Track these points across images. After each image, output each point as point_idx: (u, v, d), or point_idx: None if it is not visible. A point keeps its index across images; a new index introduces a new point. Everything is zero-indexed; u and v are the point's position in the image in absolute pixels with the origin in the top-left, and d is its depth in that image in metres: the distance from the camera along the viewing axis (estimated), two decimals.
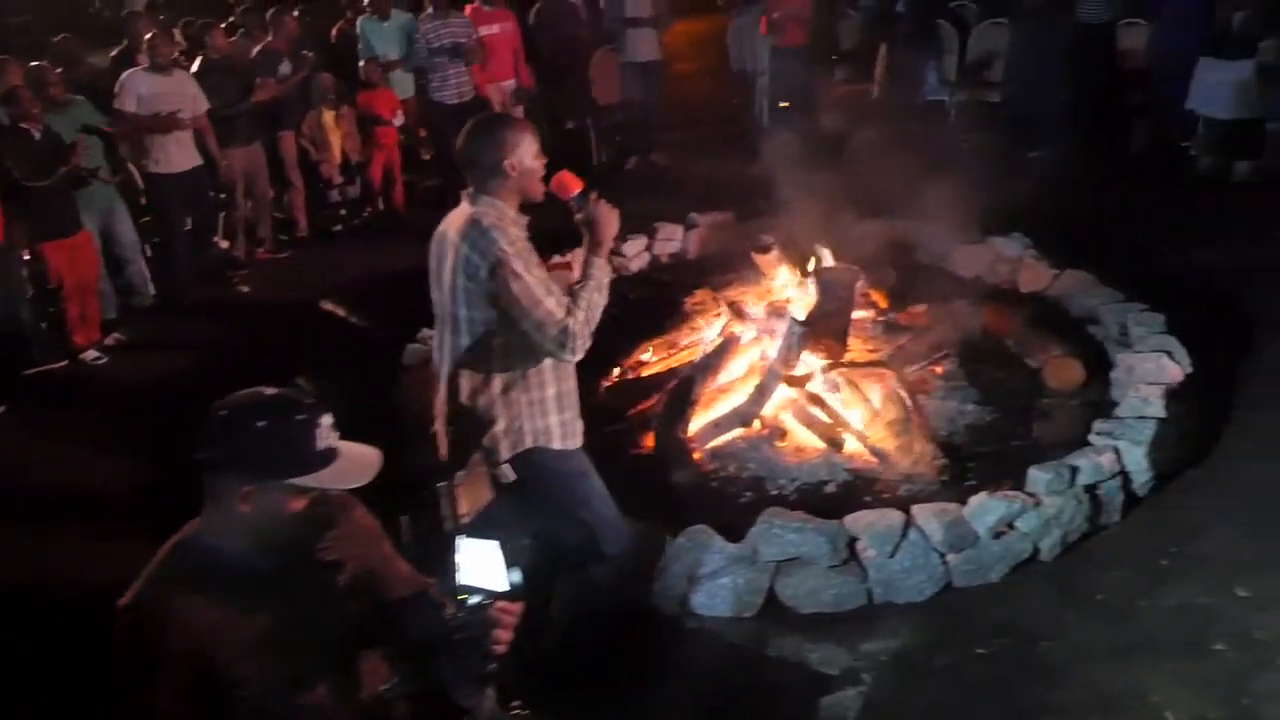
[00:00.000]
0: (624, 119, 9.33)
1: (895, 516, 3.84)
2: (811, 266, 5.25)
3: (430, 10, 8.17)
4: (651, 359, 5.31)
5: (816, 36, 9.01)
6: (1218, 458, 4.51)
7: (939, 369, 5.14)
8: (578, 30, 8.89)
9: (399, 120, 8.20)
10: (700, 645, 3.77)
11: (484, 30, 8.43)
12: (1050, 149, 8.36)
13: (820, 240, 5.90)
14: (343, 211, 8.32)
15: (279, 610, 1.97)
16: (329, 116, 7.83)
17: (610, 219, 3.06)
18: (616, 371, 5.32)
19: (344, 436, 2.04)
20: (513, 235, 2.99)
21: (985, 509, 3.84)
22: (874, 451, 4.50)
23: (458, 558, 1.91)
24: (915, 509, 3.91)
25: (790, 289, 5.30)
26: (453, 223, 3.09)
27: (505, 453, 3.16)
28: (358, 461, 1.98)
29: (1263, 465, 4.42)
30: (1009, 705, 3.38)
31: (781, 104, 8.60)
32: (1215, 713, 3.25)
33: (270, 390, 1.97)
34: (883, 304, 5.52)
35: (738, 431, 4.70)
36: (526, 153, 3.02)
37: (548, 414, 3.21)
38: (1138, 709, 3.29)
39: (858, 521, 3.86)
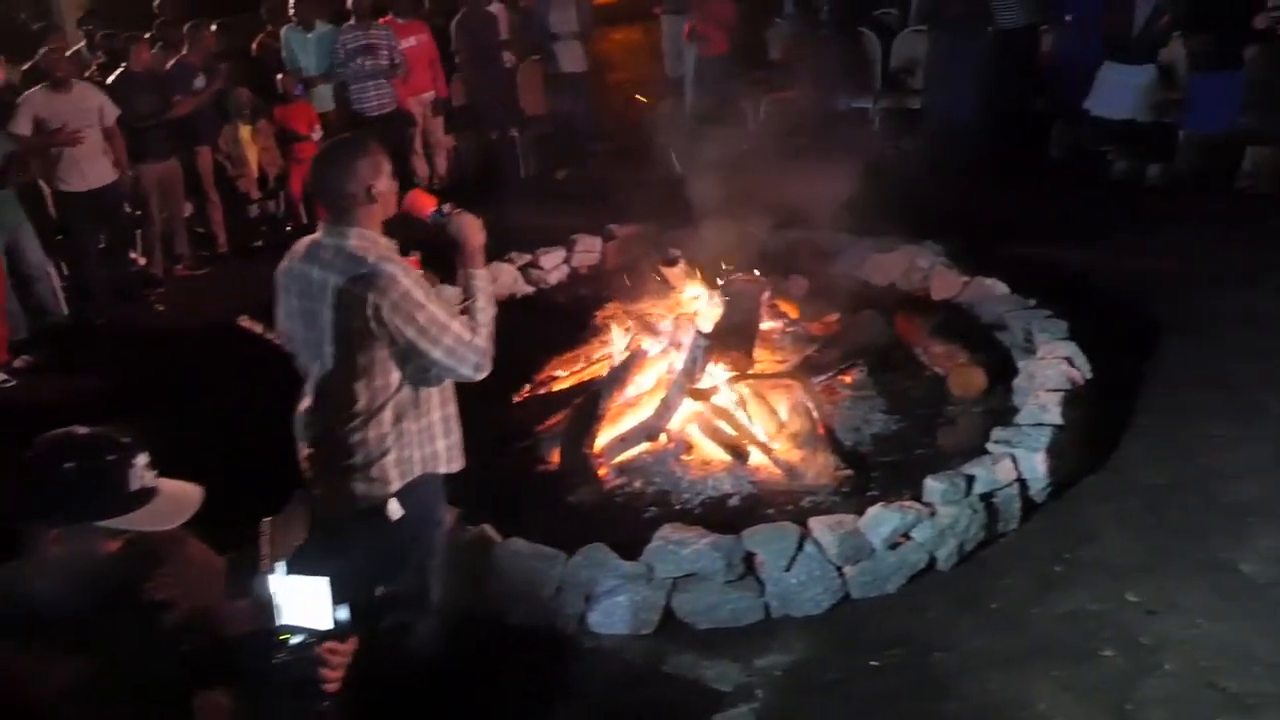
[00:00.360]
0: (551, 130, 9.29)
1: (791, 530, 3.84)
2: (718, 279, 5.23)
3: (352, 20, 8.09)
4: (563, 374, 5.27)
5: (742, 45, 9.04)
6: (1116, 462, 4.57)
7: (848, 378, 5.16)
8: (498, 41, 8.83)
9: (317, 134, 8.09)
10: (596, 665, 3.74)
11: (400, 43, 8.37)
12: (969, 155, 8.44)
13: (734, 250, 5.93)
14: (263, 227, 8.19)
15: (100, 653, 1.91)
16: (245, 131, 7.72)
17: (473, 228, 3.01)
18: (528, 387, 5.28)
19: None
20: (401, 264, 2.90)
21: (880, 520, 3.85)
22: (778, 463, 4.50)
23: (277, 597, 1.87)
24: (812, 522, 3.91)
25: (698, 301, 5.28)
26: (320, 258, 2.90)
27: (396, 482, 3.04)
28: (176, 501, 1.93)
29: (1158, 468, 4.49)
30: (898, 718, 3.39)
31: (705, 112, 8.62)
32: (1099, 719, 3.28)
33: (83, 430, 1.91)
34: (793, 314, 5.53)
35: (644, 446, 4.68)
36: (385, 175, 2.94)
37: (435, 439, 3.13)
38: (1024, 718, 3.31)
39: (754, 536, 3.85)
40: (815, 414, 4.71)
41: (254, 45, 9.00)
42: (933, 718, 3.35)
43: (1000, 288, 5.61)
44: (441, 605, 3.23)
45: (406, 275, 2.84)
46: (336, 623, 1.89)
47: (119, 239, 7.27)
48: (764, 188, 6.86)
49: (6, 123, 6.46)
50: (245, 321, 6.66)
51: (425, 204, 3.02)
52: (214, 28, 8.38)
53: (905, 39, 9.18)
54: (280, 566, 1.88)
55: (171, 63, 7.93)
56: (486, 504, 4.41)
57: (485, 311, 2.99)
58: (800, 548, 3.80)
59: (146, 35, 8.03)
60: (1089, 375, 4.82)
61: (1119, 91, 7.66)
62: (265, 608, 1.88)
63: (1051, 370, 4.69)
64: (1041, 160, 8.52)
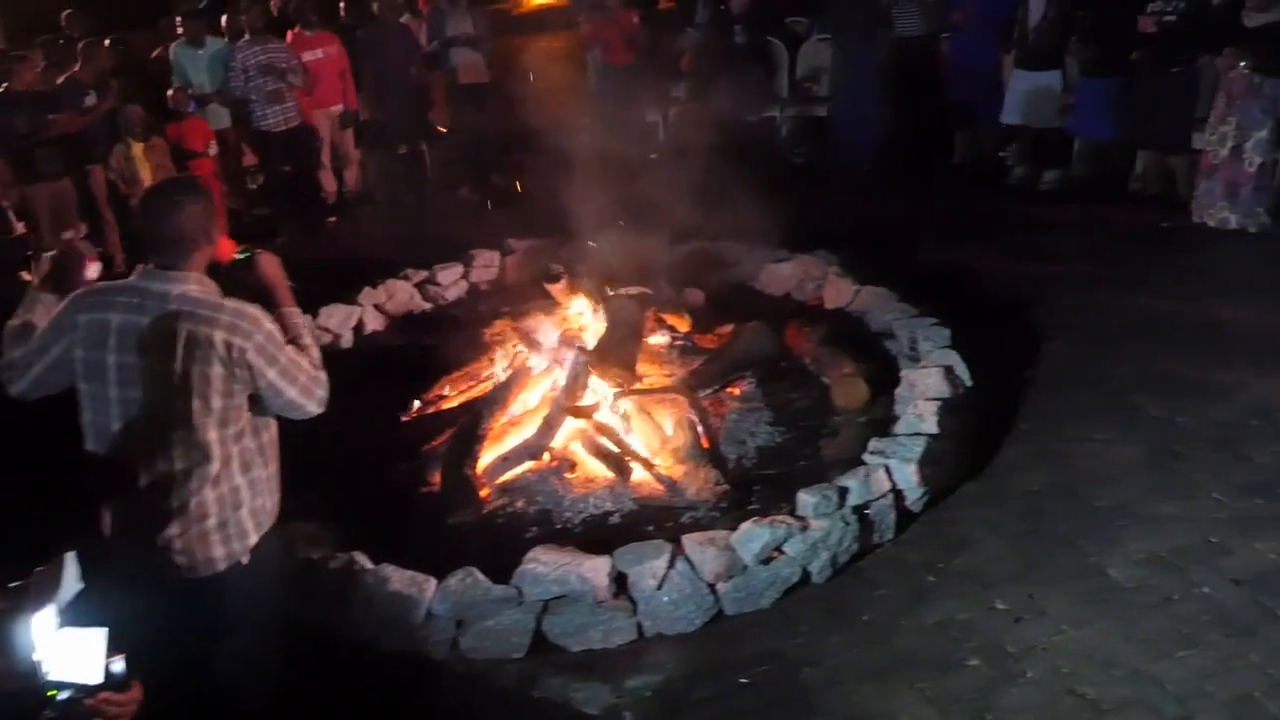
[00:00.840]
0: (455, 144, 9.22)
1: (662, 548, 3.82)
2: (601, 294, 5.21)
3: (247, 36, 7.96)
4: (451, 392, 5.20)
5: (650, 55, 9.05)
6: (995, 468, 4.62)
7: (736, 390, 5.16)
8: (407, 54, 8.73)
9: (213, 151, 7.94)
10: (466, 691, 3.68)
11: (307, 56, 8.25)
12: (873, 162, 8.53)
13: (628, 263, 5.91)
14: None
15: None
16: (138, 149, 7.53)
17: (275, 267, 2.95)
18: (417, 406, 5.20)
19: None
20: (257, 307, 2.80)
21: (751, 536, 3.84)
22: (660, 479, 4.48)
23: (42, 652, 1.79)
24: (685, 539, 3.89)
25: (584, 317, 5.25)
26: (150, 305, 2.67)
27: (253, 535, 2.91)
28: None
29: (1035, 473, 4.55)
30: None
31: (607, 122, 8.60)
32: None
33: None
34: (684, 327, 5.52)
35: (528, 465, 4.63)
36: (215, 216, 2.85)
37: (275, 490, 3.01)
38: None
39: (625, 555, 3.82)
40: (700, 428, 4.69)
41: (147, 61, 8.81)
42: None
43: (889, 296, 5.66)
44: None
45: (266, 316, 2.75)
46: (109, 675, 1.82)
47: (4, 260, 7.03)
48: (667, 199, 6.89)
49: None
50: None
51: (227, 249, 2.92)
52: (107, 43, 8.21)
53: (811, 47, 9.25)
54: (49, 619, 1.80)
55: (62, 79, 7.75)
56: (367, 527, 4.37)
57: (312, 347, 2.92)
58: (672, 566, 3.78)
59: (28, 54, 7.83)
60: (969, 383, 4.87)
61: (1016, 98, 7.79)
62: (28, 664, 1.80)
63: (931, 379, 4.73)
64: (946, 166, 8.62)
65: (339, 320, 6.11)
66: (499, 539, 4.28)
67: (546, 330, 5.14)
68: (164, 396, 2.68)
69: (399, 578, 3.81)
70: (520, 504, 4.50)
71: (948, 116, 8.46)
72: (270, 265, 2.92)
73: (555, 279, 5.31)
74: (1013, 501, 4.38)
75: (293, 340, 2.88)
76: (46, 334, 2.75)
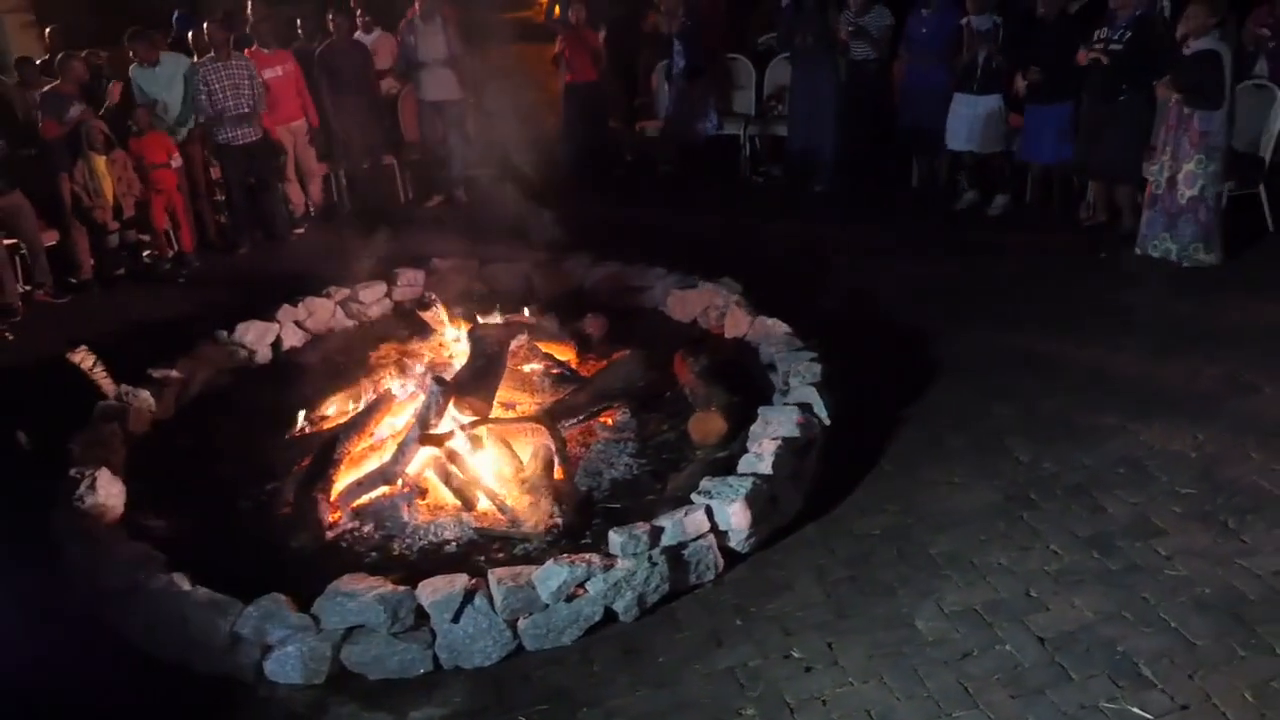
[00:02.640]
0: (423, 157, 9.36)
1: (459, 581, 3.87)
2: (471, 321, 5.28)
3: (212, 54, 8.19)
4: (331, 413, 5.32)
5: (611, 73, 9.10)
6: (842, 510, 4.58)
7: (610, 420, 5.19)
8: (363, 70, 8.89)
9: (176, 162, 8.18)
10: (265, 714, 3.78)
11: (266, 73, 8.46)
12: (828, 184, 8.48)
13: (532, 287, 6.00)
14: (124, 254, 8.27)
15: None
16: (100, 162, 7.79)
17: None
18: (301, 425, 5.33)
19: None
20: None
21: (549, 574, 3.87)
22: (503, 510, 4.53)
23: None
24: (492, 573, 3.95)
25: (459, 344, 5.32)
26: None
27: None
28: None
29: (879, 518, 4.50)
30: None
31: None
32: None
33: None
34: (565, 355, 5.56)
35: (382, 490, 4.72)
36: None
37: None
38: None
39: (425, 587, 3.88)
40: (555, 459, 4.74)
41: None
42: None
43: (780, 327, 5.63)
44: None
45: None
46: None
47: None
48: (611, 217, 6.94)
49: None
50: (77, 355, 6.70)
51: None
52: (83, 56, 8.51)
53: (777, 66, 9.19)
54: None
55: (42, 91, 8.05)
56: (215, 546, 4.51)
57: None
58: (469, 600, 3.84)
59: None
60: (827, 421, 4.84)
61: (962, 123, 7.69)
62: None
63: (783, 417, 4.71)
64: (901, 190, 8.52)
65: (254, 336, 6.27)
66: (338, 563, 4.37)
67: (420, 356, 5.22)
68: None
69: (207, 600, 3.92)
70: (367, 529, 4.58)
71: (905, 140, 8.36)
72: None
73: (427, 306, 5.39)
74: (847, 545, 4.34)
75: None
76: None
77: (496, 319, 5.30)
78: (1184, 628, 3.71)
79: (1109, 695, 3.44)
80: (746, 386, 5.34)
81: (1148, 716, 3.33)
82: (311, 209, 9.17)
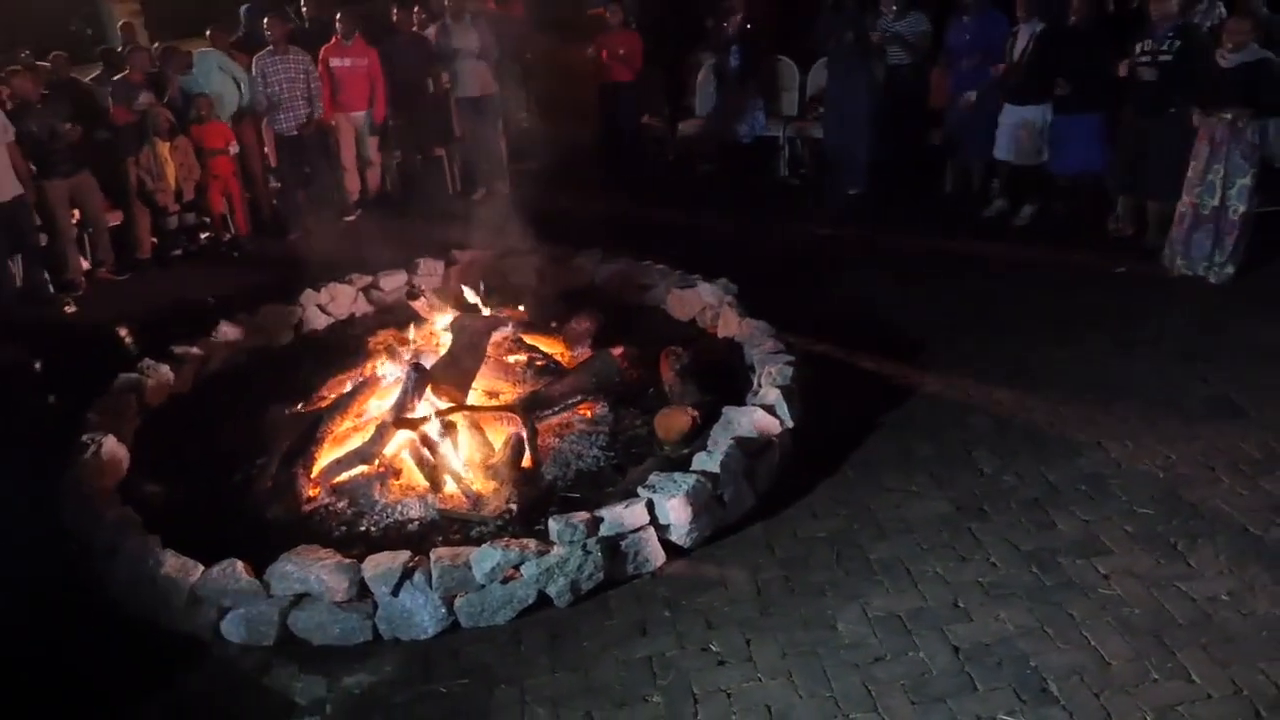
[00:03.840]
0: (467, 150, 9.66)
1: (400, 558, 4.09)
2: (456, 314, 5.49)
3: (268, 49, 8.60)
4: (329, 395, 5.60)
5: (648, 75, 9.24)
6: (794, 511, 4.65)
7: (589, 412, 5.34)
8: (422, 64, 9.20)
9: (233, 149, 8.63)
10: (216, 670, 4.04)
11: (335, 63, 8.86)
12: (861, 186, 8.48)
13: (550, 279, 6.19)
14: (182, 237, 8.76)
15: None
16: (164, 148, 8.27)
17: None
18: (301, 404, 5.62)
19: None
20: None
21: (484, 556, 4.06)
22: (467, 493, 4.74)
23: None
24: (432, 552, 4.15)
25: (443, 334, 5.55)
26: None
27: None
28: None
29: (828, 521, 4.56)
30: None
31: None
32: None
33: None
34: (553, 348, 5.73)
35: (360, 469, 4.97)
36: None
37: None
38: None
39: (369, 562, 4.11)
40: (524, 447, 4.92)
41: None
42: None
43: (765, 329, 5.70)
44: None
45: None
46: None
47: (26, 246, 7.86)
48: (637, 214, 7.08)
49: None
50: (124, 332, 7.16)
51: None
52: (151, 48, 9.04)
53: (819, 69, 9.18)
54: None
55: (116, 78, 8.59)
56: (202, 514, 4.83)
57: None
58: (408, 577, 4.05)
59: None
60: (790, 423, 4.91)
61: (1005, 132, 7.61)
62: None
63: (745, 417, 4.80)
64: (933, 195, 8.46)
65: (278, 320, 6.61)
66: (310, 535, 4.63)
67: (411, 343, 5.46)
68: None
69: (172, 563, 4.22)
70: (341, 505, 4.83)
71: (942, 145, 8.29)
72: None
73: (415, 296, 5.62)
74: (789, 546, 4.42)
75: None
76: None
77: (484, 311, 5.50)
78: (1102, 647, 3.70)
79: (1009, 708, 3.47)
80: (726, 386, 5.44)
81: None
82: (367, 196, 9.53)
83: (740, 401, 5.20)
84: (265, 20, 8.74)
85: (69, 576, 4.54)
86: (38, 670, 4.02)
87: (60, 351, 7.02)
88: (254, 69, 8.63)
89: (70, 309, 7.98)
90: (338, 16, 9.36)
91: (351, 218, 9.32)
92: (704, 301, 6.25)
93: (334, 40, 9.05)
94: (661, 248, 7.39)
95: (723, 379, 5.52)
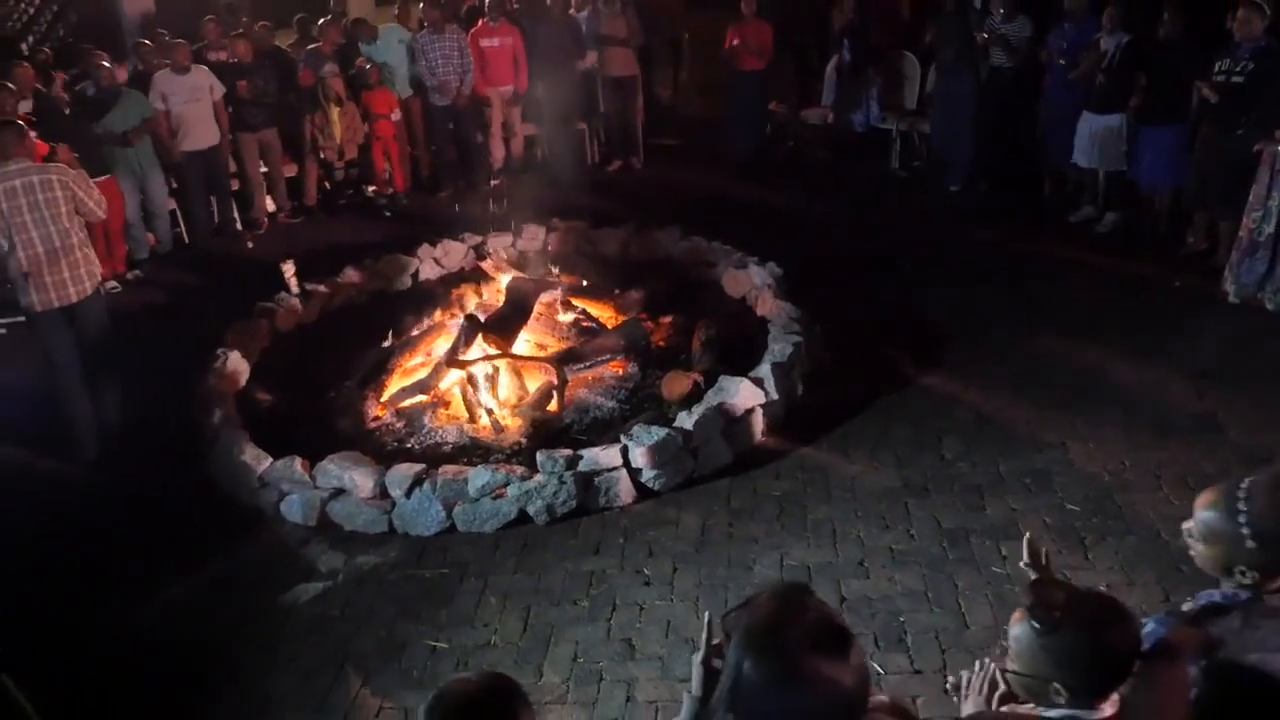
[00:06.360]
0: (607, 127, 10.52)
1: (412, 469, 5.06)
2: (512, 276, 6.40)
3: (428, 28, 9.76)
4: (415, 332, 6.64)
5: (776, 64, 9.79)
6: (760, 472, 5.31)
7: (620, 370, 6.13)
8: (570, 44, 10.09)
9: (396, 116, 9.85)
10: (270, 539, 5.17)
11: (484, 43, 9.91)
12: (961, 184, 8.77)
13: (634, 251, 7.01)
14: (348, 190, 10.09)
15: None
16: (335, 112, 9.58)
17: None
18: (392, 338, 6.68)
19: None
20: None
21: (478, 475, 4.97)
22: (495, 426, 5.66)
23: None
24: (444, 468, 5.11)
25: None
26: None
27: None
28: None
29: (785, 484, 5.21)
30: (402, 612, 4.54)
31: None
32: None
33: None
34: (602, 311, 6.54)
35: (419, 398, 5.99)
36: None
37: None
38: (478, 631, 4.37)
39: (391, 470, 5.10)
40: (553, 392, 5.79)
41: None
42: (429, 620, 4.48)
43: (791, 310, 6.29)
44: None
45: None
46: None
47: (222, 189, 9.37)
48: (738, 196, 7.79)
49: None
50: (286, 265, 8.48)
51: None
52: (342, 23, 10.38)
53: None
54: None
55: (308, 48, 9.99)
56: (295, 418, 5.98)
57: None
58: (418, 485, 5.01)
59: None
60: (774, 396, 5.54)
61: (1084, 139, 7.76)
62: None
63: (735, 386, 5.47)
64: (1031, 197, 8.62)
65: (396, 268, 7.75)
66: (368, 446, 5.69)
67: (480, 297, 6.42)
68: None
69: (250, 453, 5.36)
70: (399, 425, 5.87)
71: (1041, 151, 8.47)
72: None
73: (484, 258, 6.55)
74: (744, 500, 5.09)
75: None
76: None
77: (528, 275, 6.38)
78: (969, 614, 4.22)
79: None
80: (743, 358, 6.07)
81: (878, 669, 3.94)
82: (512, 163, 10.59)
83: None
84: (422, 5, 9.87)
85: (187, 457, 5.78)
86: (146, 525, 5.24)
87: (235, 278, 8.43)
88: (416, 47, 9.78)
89: (250, 244, 9.45)
90: (486, 2, 10.41)
91: (496, 182, 10.39)
92: (753, 282, 6.88)
93: (481, 23, 10.08)
94: (753, 228, 8.07)
95: (742, 352, 6.15)
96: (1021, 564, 2.60)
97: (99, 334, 5.85)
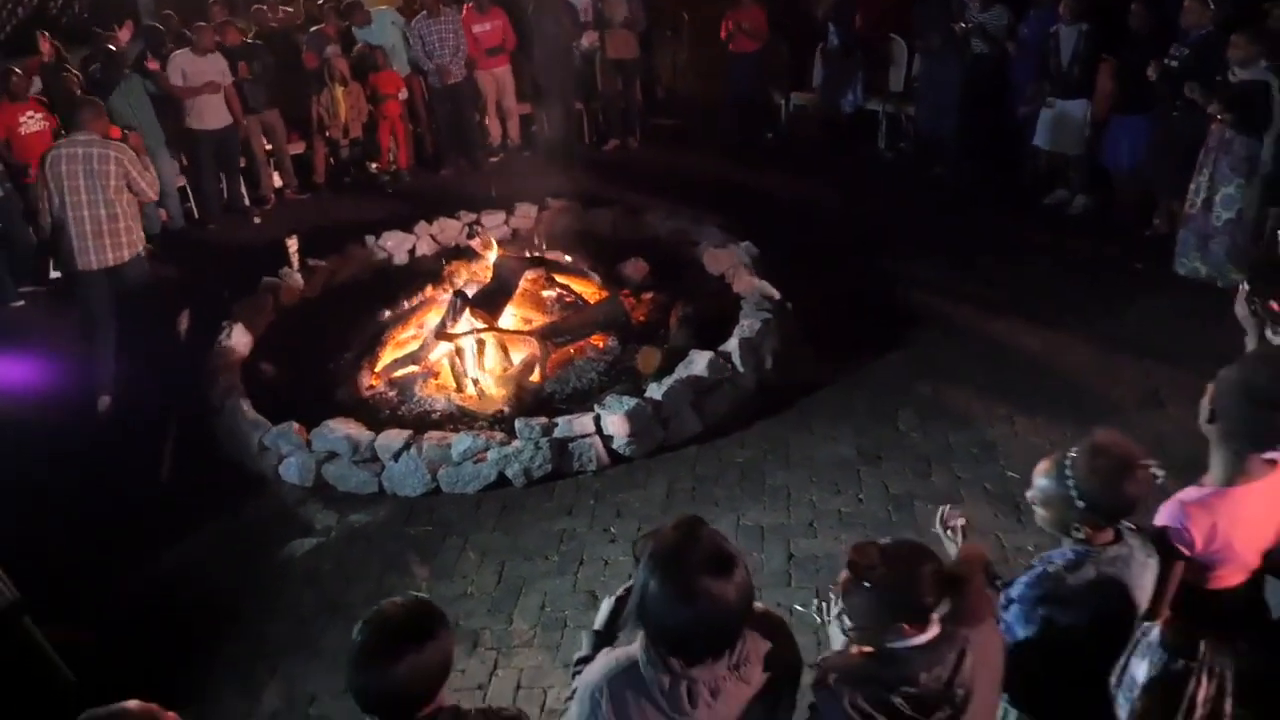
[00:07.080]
0: (606, 107, 10.83)
1: (403, 435, 5.44)
2: (496, 254, 6.76)
3: (424, 13, 10.07)
4: (409, 305, 7.02)
5: (769, 47, 10.07)
6: (727, 441, 5.65)
7: (601, 343, 6.49)
8: (567, 28, 10.37)
9: (402, 95, 10.19)
10: (270, 499, 5.57)
11: (476, 28, 10.22)
12: (946, 168, 9.06)
13: (623, 229, 7.36)
14: (352, 167, 10.45)
15: None
16: (340, 92, 9.92)
17: None
18: (388, 313, 7.07)
19: None
20: None
21: (460, 441, 5.36)
22: (480, 395, 6.04)
23: None
24: (429, 433, 5.49)
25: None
26: None
27: None
28: None
29: (749, 451, 5.56)
30: (397, 567, 4.93)
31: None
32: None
33: None
34: (585, 287, 6.90)
35: (411, 368, 6.37)
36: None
37: None
38: (461, 586, 4.77)
39: (381, 435, 5.49)
40: (535, 365, 6.16)
41: None
42: (413, 573, 4.88)
43: (766, 289, 6.63)
44: None
45: None
46: None
47: (231, 167, 9.75)
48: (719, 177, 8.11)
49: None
50: (289, 240, 8.85)
51: None
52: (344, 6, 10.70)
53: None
54: None
55: (312, 30, 10.33)
56: (295, 387, 6.37)
57: None
58: (406, 449, 5.40)
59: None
60: (740, 369, 5.89)
61: (1044, 123, 8.07)
62: None
63: (704, 360, 5.82)
64: (1011, 181, 8.89)
65: (395, 243, 8.11)
66: (361, 413, 6.07)
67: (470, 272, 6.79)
68: None
69: (251, 418, 5.76)
70: (392, 394, 6.25)
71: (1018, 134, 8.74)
72: None
73: (473, 237, 6.91)
74: (711, 467, 5.45)
75: None
76: None
77: (513, 253, 6.74)
78: None
79: (804, 602, 4.44)
80: (717, 334, 6.41)
81: (814, 617, 4.31)
82: (509, 142, 10.92)
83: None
84: None
85: (195, 423, 6.18)
86: (157, 485, 5.65)
87: (243, 254, 8.81)
88: (412, 33, 10.09)
89: (258, 220, 9.82)
90: None
91: (495, 159, 10.73)
92: (732, 260, 7.21)
93: (467, 10, 10.33)
94: (741, 208, 8.41)
95: (716, 328, 6.49)
96: (933, 529, 2.96)
97: (138, 289, 6.40)
